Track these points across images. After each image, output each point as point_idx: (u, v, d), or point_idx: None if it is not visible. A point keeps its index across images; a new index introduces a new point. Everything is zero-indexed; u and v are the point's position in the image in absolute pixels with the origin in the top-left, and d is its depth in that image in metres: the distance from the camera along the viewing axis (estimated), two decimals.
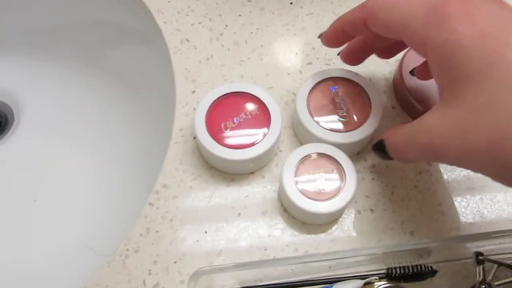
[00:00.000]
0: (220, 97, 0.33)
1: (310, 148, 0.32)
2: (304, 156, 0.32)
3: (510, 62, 0.22)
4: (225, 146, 0.32)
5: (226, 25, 0.41)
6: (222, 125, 0.32)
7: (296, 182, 0.31)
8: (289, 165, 0.31)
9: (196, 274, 0.26)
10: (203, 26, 0.40)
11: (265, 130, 0.33)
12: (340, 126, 0.33)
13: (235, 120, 0.33)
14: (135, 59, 0.46)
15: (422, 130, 0.26)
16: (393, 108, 0.37)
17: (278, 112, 0.33)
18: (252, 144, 0.32)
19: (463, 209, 0.33)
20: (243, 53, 0.39)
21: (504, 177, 0.23)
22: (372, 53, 0.34)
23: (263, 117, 0.33)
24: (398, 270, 0.30)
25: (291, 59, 0.39)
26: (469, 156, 0.23)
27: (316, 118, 0.33)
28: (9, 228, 0.45)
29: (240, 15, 0.41)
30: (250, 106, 0.33)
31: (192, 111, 0.36)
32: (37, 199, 0.47)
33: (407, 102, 0.36)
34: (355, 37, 0.32)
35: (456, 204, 0.34)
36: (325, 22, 0.41)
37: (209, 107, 0.33)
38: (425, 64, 0.34)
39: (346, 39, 0.32)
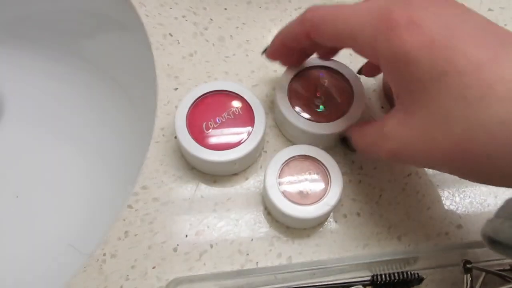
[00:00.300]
0: (202, 95, 0.32)
1: (295, 150, 0.31)
2: (289, 158, 0.31)
3: (461, 70, 0.22)
4: (206, 147, 0.30)
5: (211, 19, 0.39)
6: (204, 125, 0.31)
7: (280, 185, 0.30)
8: (273, 168, 0.30)
9: (172, 283, 0.25)
10: (187, 20, 0.39)
11: (249, 129, 0.31)
12: (320, 116, 0.32)
13: (217, 120, 0.31)
14: (117, 53, 0.44)
15: (383, 137, 0.26)
16: (382, 107, 0.36)
17: (262, 111, 0.32)
18: (235, 145, 0.31)
19: (452, 213, 0.32)
20: (228, 49, 0.38)
21: (466, 176, 0.24)
22: (311, 55, 0.33)
23: (246, 116, 0.32)
24: (383, 277, 0.29)
25: None
26: (431, 160, 0.24)
27: (296, 109, 0.32)
28: None
29: (225, 9, 0.40)
30: (233, 105, 0.32)
31: (174, 109, 0.35)
32: (19, 195, 0.46)
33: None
34: (300, 48, 0.31)
35: (445, 208, 0.33)
36: None
37: (191, 106, 0.32)
38: (370, 62, 0.34)
39: (290, 52, 0.32)
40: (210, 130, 0.31)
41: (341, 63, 0.34)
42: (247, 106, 0.32)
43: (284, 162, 0.31)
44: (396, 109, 0.26)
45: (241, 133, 0.31)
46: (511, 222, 0.22)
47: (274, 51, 0.32)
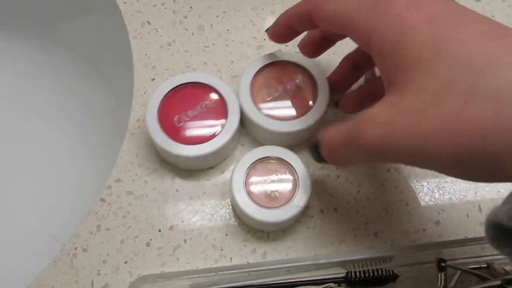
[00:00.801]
0: (176, 87, 0.31)
1: (260, 153, 0.30)
2: (254, 161, 0.30)
3: (464, 39, 0.20)
4: (177, 141, 0.30)
5: (191, 7, 0.38)
6: (176, 118, 0.30)
7: (248, 191, 0.29)
8: (239, 173, 0.30)
9: (138, 281, 0.24)
10: (166, 8, 0.38)
11: (222, 122, 0.31)
12: (284, 113, 0.31)
13: (189, 113, 0.31)
14: (96, 38, 0.43)
15: (367, 123, 0.22)
16: None
17: (236, 105, 0.31)
18: (206, 140, 0.30)
19: (430, 210, 0.32)
20: (207, 38, 0.37)
21: (466, 171, 0.20)
22: (331, 46, 0.32)
23: (220, 110, 0.31)
24: (358, 274, 0.28)
25: (258, 45, 0.37)
26: (423, 148, 0.20)
27: (263, 110, 0.31)
28: None
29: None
30: (207, 98, 0.31)
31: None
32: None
33: None
34: (302, 33, 0.30)
35: (424, 204, 0.32)
36: None
37: (163, 98, 0.31)
38: (350, 96, 0.33)
39: (293, 35, 0.30)
40: (182, 123, 0.30)
41: (308, 59, 0.33)
42: (221, 99, 0.31)
43: (249, 166, 0.30)
44: (385, 96, 0.23)
45: (214, 126, 0.31)
46: None
47: (276, 30, 0.30)
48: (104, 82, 0.43)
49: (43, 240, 0.41)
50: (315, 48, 0.32)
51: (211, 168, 0.32)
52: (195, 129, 0.30)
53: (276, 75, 0.33)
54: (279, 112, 0.31)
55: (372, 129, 0.21)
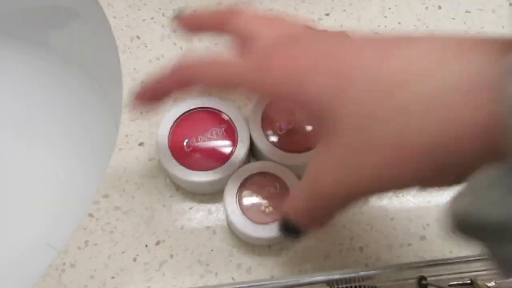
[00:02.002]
0: (188, 111, 0.32)
1: (250, 169, 0.30)
2: (245, 179, 0.30)
3: (356, 75, 0.20)
4: (185, 166, 0.30)
5: None
6: (185, 142, 0.31)
7: (241, 209, 0.29)
8: (231, 193, 0.30)
9: None
10: (155, 22, 0.38)
11: (231, 149, 0.31)
12: (295, 144, 0.31)
13: (199, 139, 0.31)
14: (85, 55, 0.43)
15: (315, 181, 0.22)
16: None
17: (246, 133, 0.31)
18: (215, 166, 0.30)
19: (416, 224, 0.32)
20: (196, 52, 0.37)
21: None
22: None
23: (230, 137, 0.31)
24: None
25: None
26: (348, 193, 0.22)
27: (271, 139, 0.31)
28: None
29: (195, 11, 0.39)
30: (218, 125, 0.32)
31: (139, 115, 0.35)
32: None
33: None
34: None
35: (409, 218, 0.32)
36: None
37: (175, 121, 0.31)
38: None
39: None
40: (191, 148, 0.31)
41: None
42: (231, 127, 0.32)
43: (241, 184, 0.30)
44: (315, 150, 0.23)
45: (223, 153, 0.31)
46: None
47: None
48: (96, 91, 0.44)
49: (39, 249, 0.42)
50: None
51: None
52: (204, 155, 0.31)
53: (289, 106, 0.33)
54: (290, 143, 0.31)
55: (323, 184, 0.22)
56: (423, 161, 0.19)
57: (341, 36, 0.23)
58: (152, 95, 0.27)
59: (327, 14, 0.39)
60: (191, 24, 0.29)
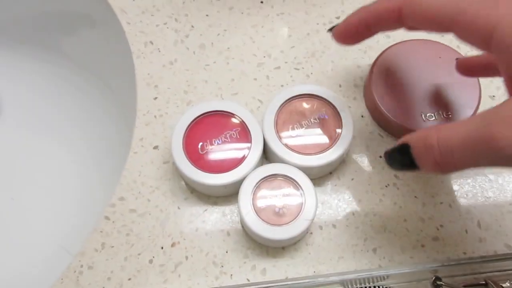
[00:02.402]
0: (202, 114, 0.32)
1: (263, 172, 0.31)
2: (258, 181, 0.30)
3: None
4: (199, 168, 0.31)
5: (192, 26, 0.39)
6: (200, 145, 0.31)
7: (256, 211, 0.30)
8: (245, 195, 0.30)
9: None
10: (168, 28, 0.39)
11: (245, 152, 0.31)
12: (309, 147, 0.32)
13: (213, 142, 0.31)
14: (100, 61, 0.44)
15: (503, 125, 0.19)
16: (362, 116, 0.36)
17: (260, 136, 0.32)
18: (229, 169, 0.31)
19: (428, 225, 0.32)
20: (208, 56, 0.38)
21: None
22: (370, 36, 0.28)
23: (243, 140, 0.32)
24: None
25: (258, 63, 0.38)
26: None
27: (284, 141, 0.32)
28: None
29: (207, 15, 0.39)
30: (232, 128, 0.32)
31: (153, 119, 0.35)
32: (14, 198, 0.46)
33: (376, 110, 0.34)
34: (375, 34, 0.28)
35: (422, 220, 0.32)
36: (296, 22, 0.39)
37: (190, 124, 0.32)
38: (470, 60, 0.31)
39: (366, 35, 0.28)
40: (205, 151, 0.31)
41: (331, 92, 0.33)
42: (245, 130, 0.32)
43: (255, 186, 0.30)
44: None
45: (237, 156, 0.31)
46: None
47: (348, 29, 0.27)
48: (110, 96, 0.44)
49: (53, 251, 0.43)
50: (352, 35, 0.29)
51: None
52: (218, 157, 0.31)
53: (301, 107, 0.33)
54: (303, 145, 0.32)
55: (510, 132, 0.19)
56: None
57: None
58: (360, 27, 0.27)
59: (338, 17, 0.40)
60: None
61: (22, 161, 0.47)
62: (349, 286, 0.29)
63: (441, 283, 0.27)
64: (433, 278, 0.28)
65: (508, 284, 0.29)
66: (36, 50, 0.48)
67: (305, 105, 0.33)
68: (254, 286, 0.29)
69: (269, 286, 0.29)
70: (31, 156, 0.47)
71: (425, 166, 0.23)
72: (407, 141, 0.24)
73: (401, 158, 0.24)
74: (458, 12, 0.21)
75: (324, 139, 0.32)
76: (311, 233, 0.32)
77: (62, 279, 0.30)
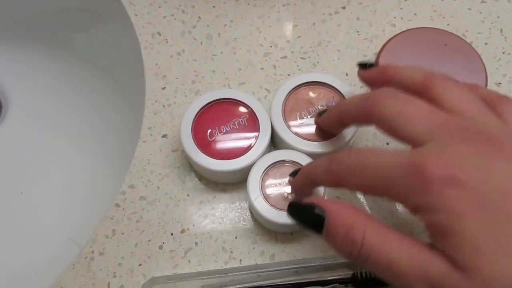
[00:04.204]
0: (210, 103, 0.33)
1: (272, 158, 0.31)
2: (267, 167, 0.31)
3: None
4: (209, 155, 0.31)
5: (199, 17, 0.39)
6: (208, 132, 0.32)
7: (264, 196, 0.30)
8: (254, 180, 0.30)
9: (150, 282, 0.26)
10: (175, 19, 0.39)
11: (253, 139, 0.32)
12: (317, 135, 0.32)
13: (221, 129, 0.32)
14: (109, 49, 0.45)
15: None
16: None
17: (268, 123, 0.32)
18: (238, 155, 0.31)
19: None
20: (215, 47, 0.38)
21: None
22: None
23: (251, 127, 0.32)
24: (364, 274, 0.29)
25: (265, 53, 0.38)
26: None
27: (293, 129, 0.32)
28: None
29: (214, 7, 0.40)
30: (240, 115, 0.32)
31: (161, 108, 0.36)
32: (23, 191, 0.47)
33: None
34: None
35: None
36: (302, 13, 0.39)
37: (198, 112, 0.32)
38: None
39: (344, 127, 0.31)
40: (214, 138, 0.31)
41: (340, 81, 0.33)
42: (253, 117, 0.32)
43: (263, 172, 0.31)
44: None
45: (245, 143, 0.32)
46: None
47: (327, 124, 0.31)
48: (118, 89, 0.45)
49: (62, 243, 0.43)
50: (334, 129, 0.31)
51: None
52: (227, 144, 0.31)
53: (308, 95, 0.33)
54: (310, 132, 0.32)
55: None
56: None
57: None
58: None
59: (343, 7, 0.40)
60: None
61: (31, 155, 0.47)
62: (358, 268, 0.29)
63: None
64: None
65: None
66: (44, 44, 0.48)
67: (312, 94, 0.33)
68: (264, 269, 0.29)
69: (278, 269, 0.29)
70: (40, 150, 0.47)
71: (335, 248, 0.23)
72: (323, 208, 0.23)
73: (309, 220, 0.24)
74: (385, 190, 0.22)
75: None
76: None
77: (73, 265, 0.31)
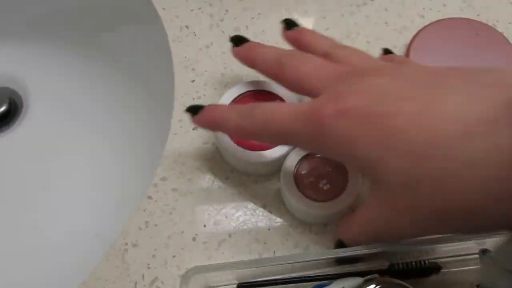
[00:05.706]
0: (242, 94, 0.33)
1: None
2: (301, 158, 0.31)
3: (399, 128, 0.22)
4: (243, 147, 0.31)
5: (227, 10, 0.39)
6: None
7: (299, 186, 0.30)
8: (288, 173, 0.30)
9: (189, 272, 0.26)
10: (202, 12, 0.39)
11: None
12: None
13: None
14: (136, 46, 0.45)
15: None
16: None
17: None
18: (271, 146, 0.31)
19: None
20: None
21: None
22: None
23: None
24: (401, 265, 0.29)
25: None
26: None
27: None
28: (17, 215, 0.45)
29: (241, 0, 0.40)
30: None
31: (191, 101, 0.36)
32: (45, 186, 0.47)
33: None
34: None
35: None
36: (330, 4, 0.39)
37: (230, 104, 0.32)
38: None
39: None
40: None
41: None
42: None
43: (297, 163, 0.31)
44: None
45: None
46: None
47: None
48: (145, 83, 0.45)
49: (91, 239, 0.43)
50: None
51: None
52: None
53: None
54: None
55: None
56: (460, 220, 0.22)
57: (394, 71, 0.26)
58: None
59: None
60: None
61: (57, 151, 0.47)
62: (395, 260, 0.29)
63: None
64: (481, 250, 0.28)
65: None
66: (70, 40, 0.49)
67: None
68: (298, 259, 0.29)
69: (313, 259, 0.29)
70: (65, 145, 0.48)
71: None
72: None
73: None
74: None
75: None
76: (353, 210, 0.32)
77: (107, 256, 0.31)
